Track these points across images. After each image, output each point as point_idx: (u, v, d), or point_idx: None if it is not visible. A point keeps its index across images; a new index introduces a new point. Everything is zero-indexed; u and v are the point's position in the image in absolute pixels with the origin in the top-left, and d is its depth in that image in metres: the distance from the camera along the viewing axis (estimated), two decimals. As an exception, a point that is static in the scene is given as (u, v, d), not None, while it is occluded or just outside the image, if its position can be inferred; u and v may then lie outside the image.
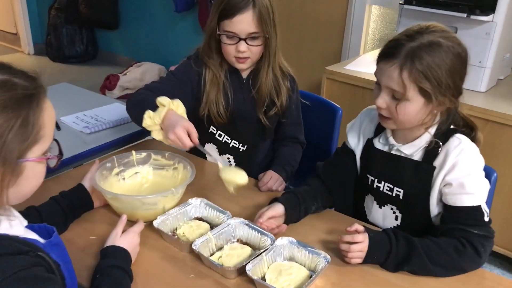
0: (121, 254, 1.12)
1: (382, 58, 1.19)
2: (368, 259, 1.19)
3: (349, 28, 3.23)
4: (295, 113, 1.71)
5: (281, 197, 1.34)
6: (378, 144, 1.35)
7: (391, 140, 1.31)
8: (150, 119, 1.35)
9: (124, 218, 1.20)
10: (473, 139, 1.24)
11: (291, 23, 3.47)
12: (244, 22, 1.46)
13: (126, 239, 1.15)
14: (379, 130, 1.36)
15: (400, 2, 2.37)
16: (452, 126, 1.26)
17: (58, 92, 2.17)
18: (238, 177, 1.34)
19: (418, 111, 1.18)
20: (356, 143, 1.42)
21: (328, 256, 1.16)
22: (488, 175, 1.30)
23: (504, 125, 2.11)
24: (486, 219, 1.19)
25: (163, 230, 1.26)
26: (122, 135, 1.75)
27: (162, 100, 1.36)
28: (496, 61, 2.29)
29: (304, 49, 3.49)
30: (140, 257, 1.20)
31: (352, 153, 1.43)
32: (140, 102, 1.46)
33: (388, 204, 1.34)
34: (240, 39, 1.49)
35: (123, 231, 1.18)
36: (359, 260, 1.19)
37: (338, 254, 1.23)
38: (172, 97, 1.40)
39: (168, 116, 1.34)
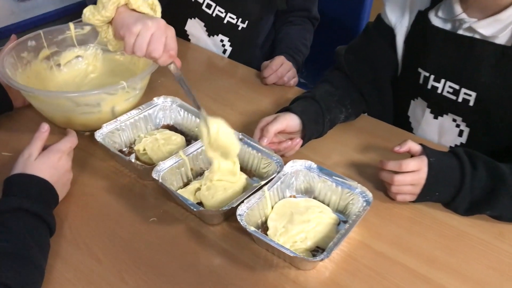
0: (36, 188, 0.68)
1: None
2: (426, 197, 0.77)
3: None
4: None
5: (295, 105, 0.88)
6: (436, 20, 0.86)
7: (459, 12, 0.82)
8: (96, 11, 0.76)
9: (44, 129, 0.74)
10: None
11: None
12: None
13: (46, 163, 0.71)
14: None
15: None
16: None
17: None
18: (231, 143, 0.77)
19: None
20: (398, 18, 0.93)
21: (369, 193, 0.73)
22: None
23: None
24: None
25: (111, 145, 0.82)
26: (67, 4, 1.24)
27: None
28: None
29: None
30: (75, 187, 0.78)
31: (390, 32, 0.95)
32: None
33: (449, 114, 0.89)
34: None
35: (44, 149, 0.74)
36: (410, 198, 0.77)
37: (379, 186, 0.80)
38: None
39: (135, 13, 0.77)
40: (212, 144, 0.76)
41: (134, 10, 0.76)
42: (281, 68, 1.06)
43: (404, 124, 1.00)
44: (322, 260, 0.62)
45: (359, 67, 0.99)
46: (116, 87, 0.81)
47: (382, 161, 0.79)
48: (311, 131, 0.86)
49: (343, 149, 0.90)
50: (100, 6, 0.75)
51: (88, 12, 0.76)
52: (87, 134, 0.88)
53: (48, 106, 0.83)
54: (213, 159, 0.76)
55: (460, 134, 0.90)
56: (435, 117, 0.92)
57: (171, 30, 0.74)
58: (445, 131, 0.92)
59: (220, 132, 0.74)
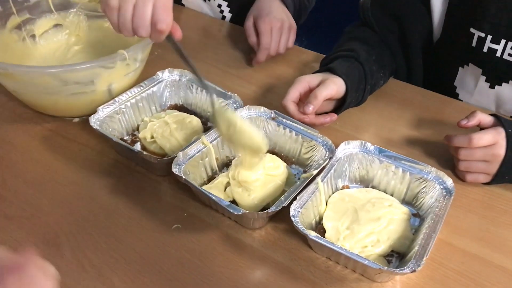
0: None
1: None
2: (505, 176, 0.63)
3: None
4: None
5: (338, 66, 0.72)
6: None
7: None
8: None
9: None
10: None
11: None
12: None
13: None
14: None
15: None
16: None
17: None
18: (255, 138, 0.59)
19: None
20: None
21: (448, 179, 0.58)
22: None
23: None
24: None
25: (111, 132, 0.65)
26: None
27: None
28: None
29: None
30: (67, 192, 0.60)
31: None
32: None
33: (510, 81, 0.74)
34: None
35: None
36: (483, 178, 0.63)
37: (446, 167, 0.66)
38: None
39: None
40: (230, 141, 0.60)
41: None
42: (271, 41, 0.86)
43: (450, 95, 0.85)
44: (413, 271, 0.48)
45: (387, 23, 0.83)
46: (114, 59, 0.63)
47: (448, 136, 0.64)
48: (351, 99, 0.71)
49: (384, 123, 0.75)
50: None
51: None
52: (76, 121, 0.71)
53: (26, 86, 0.65)
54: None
55: None
56: (492, 86, 0.78)
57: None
58: (505, 102, 0.78)
59: (236, 132, 0.58)
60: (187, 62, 0.59)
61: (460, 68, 0.82)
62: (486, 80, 0.78)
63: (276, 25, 0.86)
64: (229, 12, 1.03)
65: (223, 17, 1.04)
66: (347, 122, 0.74)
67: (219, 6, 1.03)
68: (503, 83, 0.77)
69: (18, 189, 0.61)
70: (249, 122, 0.63)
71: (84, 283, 0.51)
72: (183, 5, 1.05)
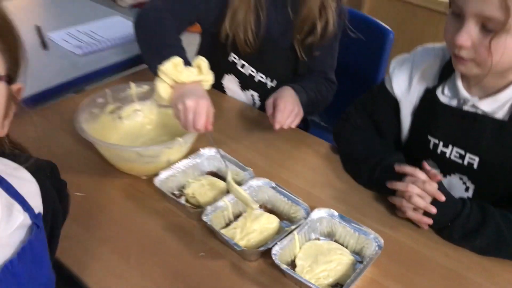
0: None
1: None
2: (433, 216, 0.92)
3: None
4: (334, 44, 1.35)
5: None
6: (443, 97, 1.01)
7: (463, 92, 0.96)
8: (174, 70, 0.99)
9: None
10: None
11: None
12: None
13: None
14: (444, 76, 1.02)
15: None
16: None
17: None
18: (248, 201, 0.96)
19: None
20: (404, 92, 1.09)
21: (381, 239, 0.88)
22: None
23: None
24: None
25: (167, 189, 0.99)
26: (123, 59, 1.43)
27: (203, 64, 1.02)
28: None
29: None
30: (135, 224, 0.95)
31: (395, 102, 1.10)
32: (157, 31, 1.15)
33: (457, 173, 1.03)
34: None
35: None
36: (414, 215, 0.94)
37: (390, 230, 0.95)
38: (190, 9, 1.23)
39: (196, 84, 1.01)
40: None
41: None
42: (282, 114, 1.15)
43: None
44: (342, 295, 0.78)
45: (367, 122, 1.15)
46: (173, 143, 0.99)
47: (389, 182, 0.95)
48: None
49: (359, 197, 1.05)
50: (178, 69, 0.98)
51: (168, 67, 0.97)
52: (144, 178, 1.05)
53: (116, 156, 1.01)
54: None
55: (467, 190, 1.03)
56: (444, 176, 1.06)
57: (211, 110, 0.98)
58: (453, 187, 1.05)
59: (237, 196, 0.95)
60: (216, 147, 0.94)
61: (423, 161, 1.10)
62: (440, 172, 1.07)
63: (289, 108, 1.18)
64: (259, 100, 1.38)
65: (254, 104, 1.39)
66: (324, 191, 1.05)
67: (252, 96, 1.38)
68: (452, 174, 1.05)
69: (104, 220, 0.96)
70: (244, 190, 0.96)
71: (136, 281, 0.84)
72: (225, 92, 1.41)
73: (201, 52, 1.39)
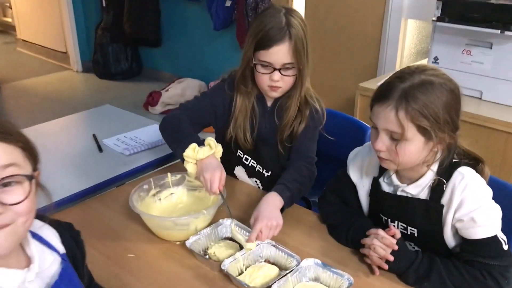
0: None
1: (376, 101, 1.20)
2: (390, 263, 1.22)
3: (385, 42, 3.24)
4: (307, 144, 1.67)
5: None
6: (384, 184, 1.33)
7: (395, 181, 1.29)
8: (193, 152, 1.44)
9: None
10: (480, 171, 1.23)
11: (326, 38, 3.51)
12: (280, 53, 1.51)
13: None
14: (384, 167, 1.31)
15: (433, 19, 2.38)
16: (454, 160, 1.24)
17: (102, 114, 2.31)
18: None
19: (418, 150, 1.18)
20: (358, 179, 1.41)
21: (351, 278, 1.20)
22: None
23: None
24: (505, 247, 1.18)
25: (195, 249, 1.33)
26: (159, 156, 1.85)
27: (211, 142, 1.47)
28: (533, 76, 2.25)
29: (339, 64, 3.51)
30: (174, 275, 1.28)
31: (354, 186, 1.42)
32: (176, 128, 1.60)
33: (406, 240, 1.31)
34: (275, 69, 1.53)
35: None
36: (377, 261, 1.23)
37: (363, 274, 1.27)
38: (204, 117, 1.67)
39: (210, 157, 1.45)
40: None
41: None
42: (261, 234, 1.34)
43: None
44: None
45: (337, 199, 1.48)
46: (199, 214, 1.36)
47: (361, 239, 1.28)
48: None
49: (339, 250, 1.37)
50: (195, 151, 1.43)
51: (189, 152, 1.42)
52: (178, 244, 1.40)
53: (157, 225, 1.38)
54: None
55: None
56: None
57: (223, 175, 1.40)
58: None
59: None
60: (227, 207, 1.31)
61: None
62: None
63: (267, 224, 1.36)
64: (261, 185, 1.76)
65: (259, 187, 1.76)
66: (309, 245, 1.37)
67: (255, 181, 1.76)
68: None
69: (150, 273, 1.29)
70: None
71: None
72: (237, 178, 1.79)
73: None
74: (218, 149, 1.48)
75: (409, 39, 3.24)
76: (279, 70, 1.53)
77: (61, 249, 0.96)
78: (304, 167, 1.63)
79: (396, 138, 1.18)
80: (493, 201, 1.22)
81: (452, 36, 2.39)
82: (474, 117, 2.21)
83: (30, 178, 0.83)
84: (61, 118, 2.30)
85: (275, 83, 1.56)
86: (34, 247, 0.89)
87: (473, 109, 2.25)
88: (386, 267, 1.24)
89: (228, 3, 4.08)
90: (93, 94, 5.08)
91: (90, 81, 5.44)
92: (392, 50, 3.23)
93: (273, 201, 1.46)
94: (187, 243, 1.34)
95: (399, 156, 1.19)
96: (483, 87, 2.36)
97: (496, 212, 1.20)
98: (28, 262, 0.88)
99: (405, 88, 1.15)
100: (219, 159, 1.48)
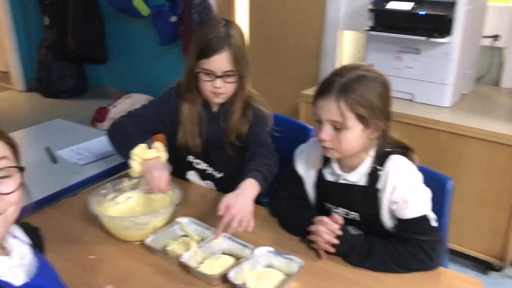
0: None
1: (319, 95, 1.34)
2: (336, 246, 1.34)
3: (325, 52, 3.43)
4: (261, 136, 1.74)
5: None
6: (328, 175, 1.45)
7: (337, 170, 1.42)
8: (142, 151, 1.58)
9: None
10: (410, 159, 1.39)
11: (270, 48, 3.67)
12: (221, 61, 1.63)
13: None
14: (327, 159, 1.45)
15: (366, 28, 2.57)
16: (387, 149, 1.39)
17: (53, 127, 2.33)
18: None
19: (358, 137, 1.32)
20: (305, 172, 1.52)
21: (301, 261, 1.31)
22: (442, 183, 1.49)
23: (467, 137, 2.29)
24: (434, 224, 1.35)
25: (155, 247, 1.41)
26: (113, 165, 1.90)
27: (159, 146, 1.63)
28: (457, 78, 2.49)
29: (284, 74, 3.68)
30: (134, 272, 1.35)
31: (301, 179, 1.53)
32: (123, 134, 1.71)
33: (349, 225, 1.43)
34: (217, 76, 1.65)
35: None
36: (323, 246, 1.35)
37: (311, 260, 1.38)
38: (151, 123, 1.78)
39: (155, 160, 1.60)
40: None
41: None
42: (234, 221, 1.40)
43: None
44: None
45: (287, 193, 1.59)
46: (158, 213, 1.43)
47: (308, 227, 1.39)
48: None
49: (289, 239, 1.49)
50: (145, 151, 1.56)
51: (137, 150, 1.55)
52: (137, 243, 1.47)
53: (117, 226, 1.44)
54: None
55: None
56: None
57: (165, 175, 1.53)
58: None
59: None
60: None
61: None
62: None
63: (237, 217, 1.40)
64: (215, 187, 1.85)
65: (212, 189, 1.86)
66: (262, 236, 1.48)
67: (207, 184, 1.85)
68: (346, 226, 1.45)
69: (111, 271, 1.35)
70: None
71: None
72: (188, 181, 1.87)
73: (169, 154, 1.86)
74: (163, 155, 1.62)
75: (346, 48, 3.45)
76: (221, 77, 1.65)
77: (28, 241, 1.02)
78: (266, 151, 1.71)
79: (338, 127, 1.32)
80: (423, 184, 1.38)
81: (384, 44, 2.60)
82: (407, 117, 2.41)
83: (21, 169, 0.89)
84: (11, 133, 2.29)
85: (218, 89, 1.67)
86: (9, 238, 0.95)
87: (406, 110, 2.45)
88: (332, 250, 1.36)
89: (173, 19, 4.18)
90: (38, 113, 4.99)
91: (34, 100, 5.34)
92: (331, 59, 3.42)
93: (249, 190, 1.49)
94: (146, 241, 1.41)
95: (342, 144, 1.33)
96: (414, 90, 2.57)
97: (426, 194, 1.37)
98: (4, 252, 0.93)
99: (344, 82, 1.30)
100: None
